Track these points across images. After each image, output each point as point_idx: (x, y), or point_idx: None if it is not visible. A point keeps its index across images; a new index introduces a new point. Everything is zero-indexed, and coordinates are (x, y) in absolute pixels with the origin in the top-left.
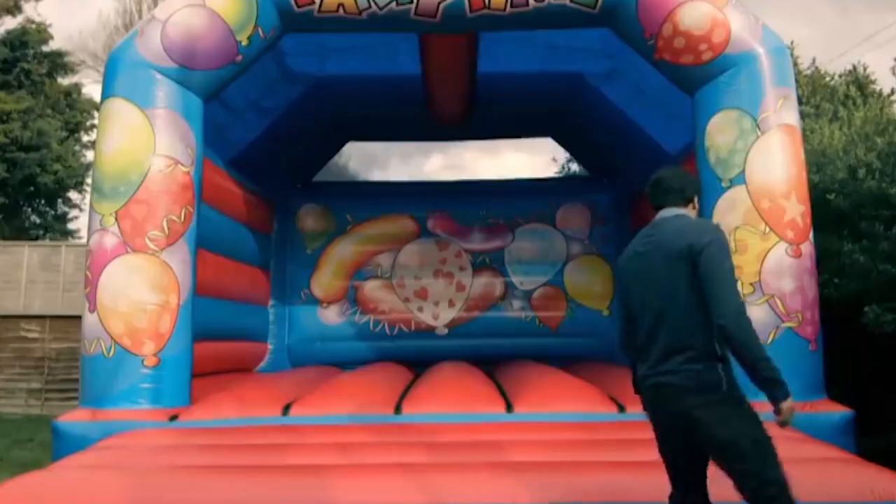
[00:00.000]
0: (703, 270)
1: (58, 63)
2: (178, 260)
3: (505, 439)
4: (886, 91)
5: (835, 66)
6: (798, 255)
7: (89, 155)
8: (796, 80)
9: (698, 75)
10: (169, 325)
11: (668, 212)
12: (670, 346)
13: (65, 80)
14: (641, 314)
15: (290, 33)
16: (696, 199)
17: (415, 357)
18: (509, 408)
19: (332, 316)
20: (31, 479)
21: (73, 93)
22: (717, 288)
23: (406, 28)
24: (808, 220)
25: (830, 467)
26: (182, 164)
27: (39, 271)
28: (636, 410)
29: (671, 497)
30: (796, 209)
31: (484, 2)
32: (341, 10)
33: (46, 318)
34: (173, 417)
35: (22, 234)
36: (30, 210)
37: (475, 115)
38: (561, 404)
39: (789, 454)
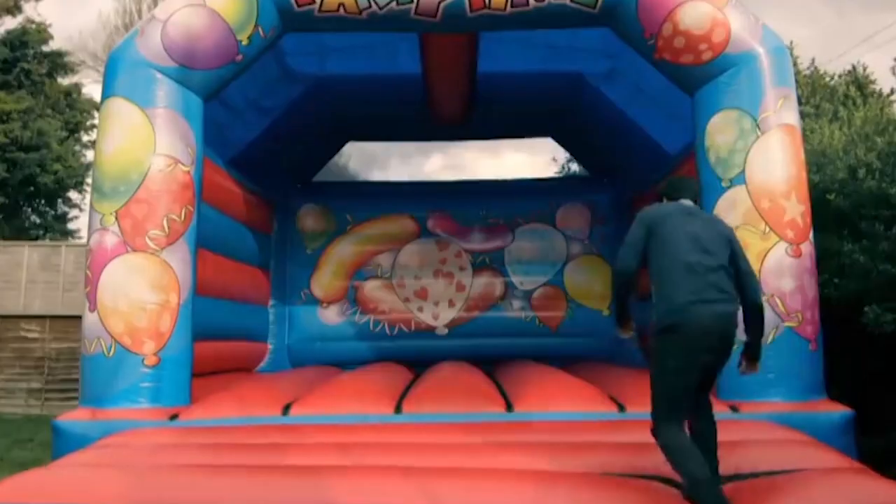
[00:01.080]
0: (739, 252)
1: (58, 63)
2: (179, 259)
3: (505, 440)
4: (886, 91)
5: (833, 66)
6: (798, 254)
7: (89, 155)
8: (796, 81)
9: (698, 75)
10: (169, 325)
11: (687, 202)
12: (727, 289)
13: (65, 80)
14: (688, 246)
15: (290, 33)
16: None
17: (415, 357)
18: (509, 407)
19: (332, 316)
20: (30, 477)
21: (73, 93)
22: (750, 268)
23: (406, 28)
24: (808, 220)
25: (830, 477)
26: (182, 164)
27: (39, 271)
28: (636, 410)
29: (670, 429)
30: (796, 209)
31: (484, 1)
32: (341, 10)
33: (46, 318)
34: (173, 417)
35: (22, 234)
36: (30, 210)
37: (475, 114)
38: (561, 404)
39: (789, 463)
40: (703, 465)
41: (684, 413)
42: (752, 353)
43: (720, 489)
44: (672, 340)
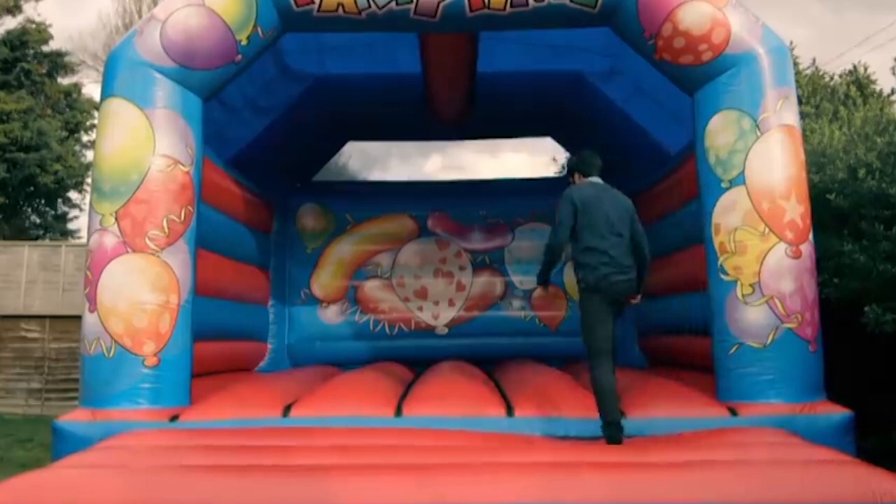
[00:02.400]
0: (637, 227)
1: (58, 63)
2: (178, 260)
3: (506, 441)
4: (886, 91)
5: (832, 66)
6: (798, 255)
7: (89, 155)
8: (796, 81)
9: (698, 75)
10: (169, 325)
11: (597, 179)
12: (628, 261)
13: (65, 80)
14: (604, 231)
15: (289, 33)
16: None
17: (415, 357)
18: (510, 411)
19: (332, 316)
20: (31, 478)
21: (73, 93)
22: (644, 237)
23: (405, 28)
24: (808, 221)
25: (829, 469)
26: (182, 164)
27: (39, 271)
28: (637, 416)
29: (602, 367)
30: (796, 210)
31: (483, 1)
32: (341, 10)
33: (46, 318)
34: (174, 417)
35: (22, 234)
36: (30, 210)
37: (475, 114)
38: (562, 409)
39: (789, 457)
40: (617, 409)
41: (607, 353)
42: (640, 290)
43: (621, 432)
44: (594, 298)
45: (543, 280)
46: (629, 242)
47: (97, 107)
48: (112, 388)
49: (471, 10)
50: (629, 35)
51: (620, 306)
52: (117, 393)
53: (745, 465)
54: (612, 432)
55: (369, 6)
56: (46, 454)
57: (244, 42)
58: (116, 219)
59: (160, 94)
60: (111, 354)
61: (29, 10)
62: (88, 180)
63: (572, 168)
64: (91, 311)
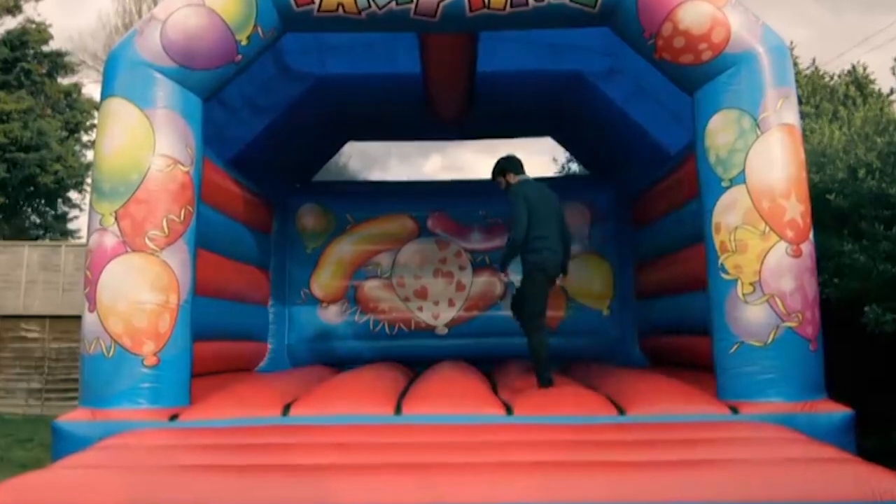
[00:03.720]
0: (564, 218)
1: (58, 63)
2: (178, 259)
3: (505, 440)
4: (886, 91)
5: (831, 67)
6: (798, 254)
7: (89, 155)
8: (796, 81)
9: (698, 75)
10: (168, 325)
11: (527, 176)
12: (560, 243)
13: (65, 80)
14: (545, 221)
15: (289, 33)
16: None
17: (415, 356)
18: (509, 410)
19: (332, 315)
20: (30, 479)
21: (73, 93)
22: (567, 228)
23: (405, 28)
24: (809, 220)
25: (829, 467)
26: (181, 164)
27: (39, 271)
28: (637, 413)
29: (543, 333)
30: (796, 209)
31: (483, 1)
32: (341, 10)
33: (46, 318)
34: (173, 417)
35: (22, 234)
36: (30, 210)
37: (475, 114)
38: (561, 407)
39: (789, 454)
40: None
41: (545, 318)
42: (565, 272)
43: (551, 372)
44: (540, 276)
45: (506, 267)
46: (559, 233)
47: (97, 107)
48: (112, 387)
49: (471, 10)
50: (629, 35)
51: (553, 283)
52: (117, 393)
53: (745, 464)
54: (547, 384)
55: (369, 6)
56: (46, 454)
57: (244, 42)
58: (116, 219)
59: (160, 94)
60: (111, 354)
61: (29, 10)
62: (88, 180)
63: (504, 169)
64: (90, 310)
